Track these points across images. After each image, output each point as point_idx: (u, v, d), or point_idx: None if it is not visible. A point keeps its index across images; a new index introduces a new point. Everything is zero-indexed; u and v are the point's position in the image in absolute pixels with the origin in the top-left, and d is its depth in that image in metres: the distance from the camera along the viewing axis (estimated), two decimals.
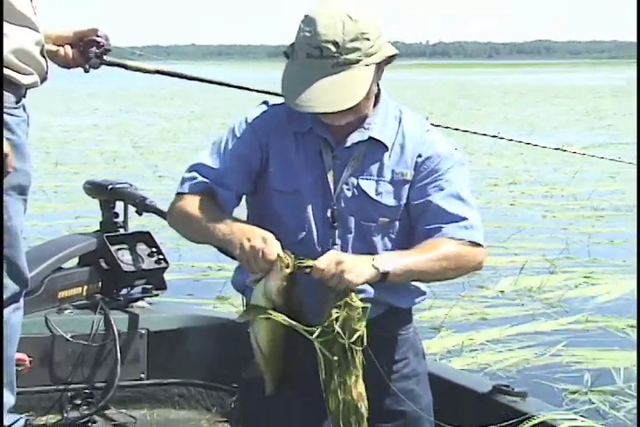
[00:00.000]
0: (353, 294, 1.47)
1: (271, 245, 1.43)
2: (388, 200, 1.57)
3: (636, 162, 3.21)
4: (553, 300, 4.68)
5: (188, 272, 5.09)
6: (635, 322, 4.23)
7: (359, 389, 1.50)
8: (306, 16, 1.48)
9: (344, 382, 1.48)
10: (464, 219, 1.56)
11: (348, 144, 1.56)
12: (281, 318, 1.46)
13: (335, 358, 1.47)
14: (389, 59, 1.54)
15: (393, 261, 1.49)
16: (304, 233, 1.57)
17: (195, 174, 1.58)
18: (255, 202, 1.64)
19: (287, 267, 1.45)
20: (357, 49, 1.45)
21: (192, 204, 1.55)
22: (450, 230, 1.55)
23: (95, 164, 10.49)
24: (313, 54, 1.45)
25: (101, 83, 33.73)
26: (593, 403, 3.23)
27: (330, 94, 1.45)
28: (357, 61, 1.46)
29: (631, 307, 4.52)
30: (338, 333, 1.45)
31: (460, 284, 4.85)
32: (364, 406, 1.51)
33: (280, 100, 1.62)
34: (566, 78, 49.15)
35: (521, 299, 4.70)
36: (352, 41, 1.45)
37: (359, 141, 1.56)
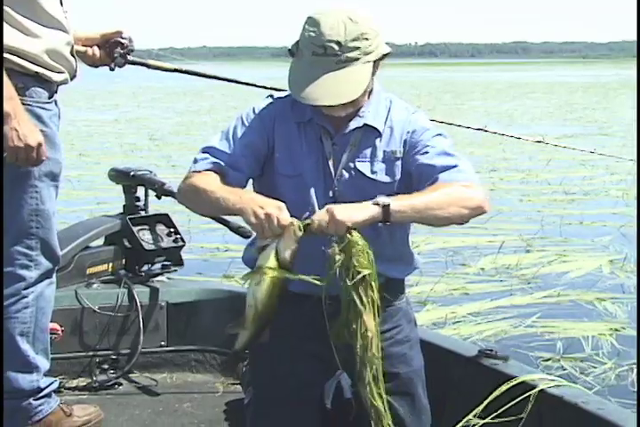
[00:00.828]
0: (354, 232, 1.40)
1: (285, 212, 1.41)
2: (383, 177, 1.56)
3: (636, 159, 3.09)
4: (528, 276, 4.64)
5: (197, 253, 5.00)
6: (602, 295, 4.21)
7: (371, 325, 1.41)
8: (310, 18, 1.49)
9: (357, 319, 1.41)
10: (454, 166, 1.53)
11: (346, 131, 1.57)
12: (295, 274, 1.41)
13: (349, 298, 1.40)
14: (384, 56, 1.54)
15: (394, 198, 1.45)
16: (308, 213, 1.53)
17: (207, 155, 1.57)
18: (261, 185, 1.62)
19: (300, 230, 1.40)
20: (357, 48, 1.47)
21: (204, 179, 1.52)
22: (443, 177, 1.51)
23: (115, 154, 10.40)
24: (318, 52, 1.47)
25: (122, 82, 33.64)
26: (565, 369, 3.23)
27: (333, 89, 1.46)
28: (357, 59, 1.48)
29: (599, 281, 4.52)
30: (341, 275, 1.39)
31: (444, 262, 4.85)
32: (376, 339, 1.42)
33: (283, 94, 1.64)
34: (541, 75, 48.93)
35: (500, 275, 4.65)
36: (353, 41, 1.46)
37: (355, 128, 1.57)
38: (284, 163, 1.57)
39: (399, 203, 1.43)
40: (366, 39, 1.47)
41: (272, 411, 1.61)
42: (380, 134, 1.58)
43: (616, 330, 3.65)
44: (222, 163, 1.55)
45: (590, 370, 3.22)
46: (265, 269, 1.41)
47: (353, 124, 1.56)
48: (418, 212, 1.45)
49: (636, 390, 2.95)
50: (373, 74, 1.54)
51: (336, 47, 1.45)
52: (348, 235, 1.40)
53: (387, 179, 1.56)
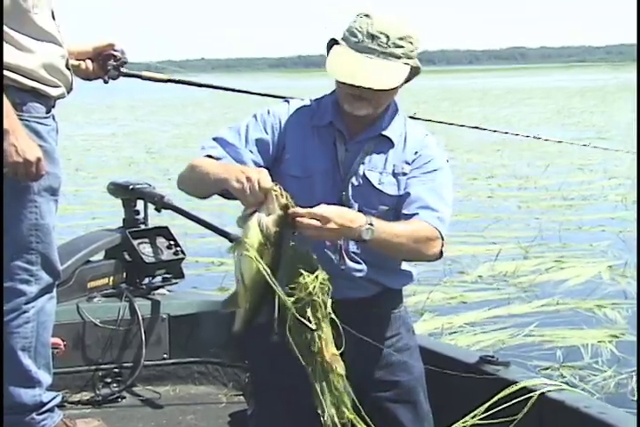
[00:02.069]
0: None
1: (266, 176, 1.41)
2: (389, 190, 1.59)
3: (635, 151, 3.14)
4: (526, 284, 4.64)
5: (192, 267, 5.00)
6: (601, 302, 4.21)
7: (330, 350, 1.40)
8: (363, 13, 1.55)
9: (313, 343, 1.40)
10: (437, 211, 1.57)
11: (361, 139, 1.60)
12: (261, 265, 1.35)
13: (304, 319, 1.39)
14: (417, 71, 1.59)
15: (378, 226, 1.47)
16: None
17: (215, 144, 1.59)
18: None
19: (282, 197, 1.39)
20: (402, 47, 1.52)
21: (201, 160, 1.55)
22: (423, 215, 1.56)
23: (112, 168, 10.45)
24: (365, 40, 1.51)
25: (119, 95, 33.75)
26: (564, 377, 3.24)
27: (369, 72, 1.49)
28: (399, 57, 1.52)
29: (598, 288, 4.50)
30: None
31: (442, 271, 4.83)
32: (339, 367, 1.41)
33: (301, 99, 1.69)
34: (539, 81, 49.01)
35: (497, 283, 4.65)
36: (400, 39, 1.52)
37: (370, 137, 1.60)
38: (294, 164, 1.59)
39: (380, 232, 1.45)
40: (411, 43, 1.53)
41: (274, 421, 1.62)
42: (392, 146, 1.61)
43: (615, 337, 3.65)
44: (227, 153, 1.56)
45: (590, 378, 3.22)
46: (248, 239, 1.38)
47: (368, 133, 1.60)
48: (393, 244, 1.48)
49: (635, 398, 2.94)
50: (404, 82, 1.57)
51: (384, 39, 1.50)
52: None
53: (392, 191, 1.59)
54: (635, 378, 3.13)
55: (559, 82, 43.88)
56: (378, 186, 1.58)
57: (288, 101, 1.67)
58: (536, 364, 3.35)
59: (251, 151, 1.57)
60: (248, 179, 1.39)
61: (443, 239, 1.56)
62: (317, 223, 1.40)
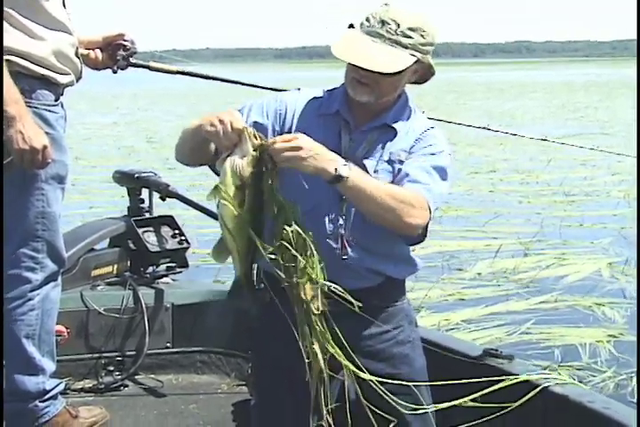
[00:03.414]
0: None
1: (238, 118, 1.41)
2: (384, 177, 1.57)
3: (636, 157, 3.13)
4: (526, 280, 4.61)
5: (189, 259, 5.04)
6: (601, 300, 4.19)
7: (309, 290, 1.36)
8: (385, 2, 1.56)
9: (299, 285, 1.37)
10: (426, 184, 1.54)
11: (365, 129, 1.60)
12: (236, 210, 1.33)
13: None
14: (427, 71, 1.59)
15: (358, 171, 1.46)
16: (315, 203, 1.55)
17: None
18: None
19: (255, 138, 1.37)
20: (411, 37, 1.52)
21: (186, 125, 1.55)
22: (409, 186, 1.53)
23: (112, 158, 10.42)
24: (375, 25, 1.52)
25: (124, 84, 33.67)
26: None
27: (371, 55, 1.50)
28: (406, 47, 1.52)
29: (597, 286, 4.49)
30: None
31: (440, 267, 4.82)
32: (318, 306, 1.37)
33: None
34: (544, 75, 48.84)
35: (496, 280, 4.63)
36: (410, 30, 1.52)
37: (375, 127, 1.60)
38: None
39: (360, 177, 1.44)
40: (422, 36, 1.53)
41: (275, 412, 1.62)
42: (395, 137, 1.61)
43: (614, 336, 3.62)
44: None
45: (589, 379, 3.18)
46: (224, 184, 1.36)
47: (374, 123, 1.60)
48: (365, 195, 1.45)
49: (635, 400, 2.90)
50: (408, 79, 1.57)
51: (393, 26, 1.51)
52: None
53: (386, 179, 1.57)
54: (635, 379, 3.09)
55: (564, 76, 43.74)
56: (373, 174, 1.57)
57: (299, 89, 1.68)
58: (534, 363, 3.26)
59: None
60: (220, 121, 1.40)
61: (430, 212, 1.52)
62: (291, 145, 1.38)
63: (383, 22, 1.51)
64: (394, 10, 1.54)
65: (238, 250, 1.40)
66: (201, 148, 1.52)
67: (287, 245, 1.36)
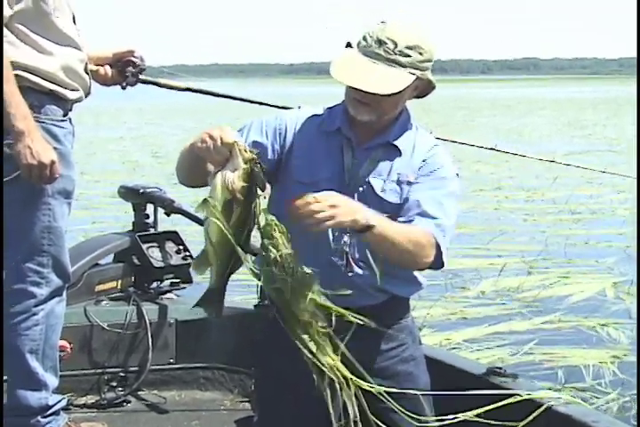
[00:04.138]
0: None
1: (228, 131, 1.41)
2: (391, 198, 1.58)
3: (635, 175, 3.14)
4: (529, 300, 4.58)
5: (192, 274, 5.06)
6: (605, 320, 4.16)
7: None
8: (382, 20, 1.57)
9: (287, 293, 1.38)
10: (435, 218, 1.55)
11: (368, 146, 1.60)
12: (221, 225, 1.34)
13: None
14: (428, 86, 1.60)
15: (380, 217, 1.47)
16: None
17: None
18: (276, 190, 1.65)
19: (246, 151, 1.38)
20: (409, 56, 1.52)
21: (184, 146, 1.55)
22: (419, 222, 1.54)
23: (116, 172, 10.45)
24: (373, 45, 1.52)
25: (131, 99, 33.93)
26: None
27: (368, 77, 1.50)
28: (404, 66, 1.52)
29: (601, 306, 4.46)
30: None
31: (443, 285, 4.78)
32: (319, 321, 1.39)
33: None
34: (551, 92, 48.95)
35: (500, 299, 4.60)
36: (408, 48, 1.52)
37: (378, 145, 1.61)
38: (302, 170, 1.60)
39: (383, 224, 1.45)
40: (420, 54, 1.53)
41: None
42: (400, 155, 1.60)
43: (618, 358, 3.57)
44: None
45: (592, 400, 3.14)
46: (212, 198, 1.37)
47: (377, 141, 1.60)
48: (388, 242, 1.46)
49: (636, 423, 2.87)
50: (409, 95, 1.58)
51: (391, 46, 1.51)
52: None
53: (394, 200, 1.58)
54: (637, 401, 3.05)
55: (572, 93, 43.84)
56: (380, 193, 1.58)
57: (300, 107, 1.69)
58: (536, 384, 3.33)
59: None
60: (210, 137, 1.40)
61: (440, 248, 1.53)
62: (329, 204, 1.38)
63: (380, 42, 1.52)
64: (390, 28, 1.53)
65: (218, 263, 1.42)
66: (197, 166, 1.51)
67: (274, 267, 1.37)
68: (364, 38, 1.54)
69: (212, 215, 1.37)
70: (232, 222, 1.38)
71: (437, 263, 1.56)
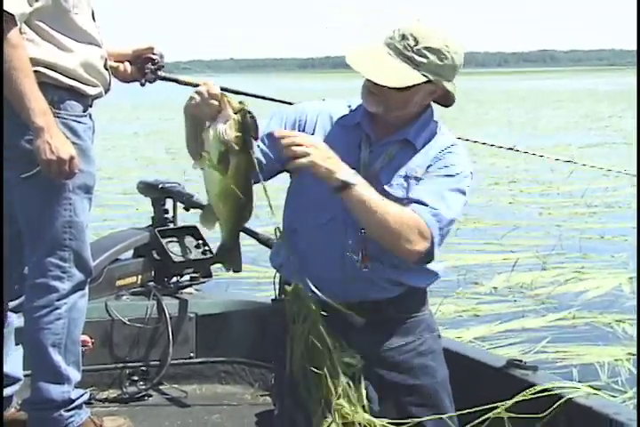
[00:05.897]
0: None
1: (212, 85, 1.45)
2: (397, 192, 1.58)
3: (635, 172, 3.15)
4: (543, 296, 4.52)
5: (212, 269, 5.07)
6: (621, 317, 4.11)
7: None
8: (420, 17, 1.60)
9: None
10: (434, 209, 1.54)
11: (385, 142, 1.62)
12: (221, 175, 1.36)
13: None
14: (443, 96, 1.60)
15: (366, 184, 1.49)
16: (330, 216, 1.59)
17: None
18: (294, 182, 1.69)
19: (235, 102, 1.41)
20: (426, 57, 1.52)
21: None
22: (416, 208, 1.54)
23: (129, 169, 10.43)
24: (396, 38, 1.54)
25: (147, 95, 33.94)
26: None
27: (379, 67, 1.51)
28: (417, 65, 1.52)
29: (617, 301, 4.41)
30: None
31: (455, 281, 4.74)
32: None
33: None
34: (568, 84, 48.44)
35: (513, 295, 4.54)
36: (427, 49, 1.52)
37: (395, 141, 1.62)
38: None
39: (366, 189, 1.47)
40: (440, 59, 1.52)
41: (298, 422, 1.63)
42: (415, 152, 1.61)
43: (634, 355, 3.49)
44: None
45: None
46: (207, 150, 1.38)
47: (394, 137, 1.61)
48: (365, 208, 1.48)
49: None
50: (422, 99, 1.57)
51: (412, 43, 1.52)
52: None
53: (399, 194, 1.58)
54: None
55: (588, 85, 43.38)
56: (386, 187, 1.58)
57: (324, 100, 1.71)
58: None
59: (263, 142, 1.60)
60: (197, 92, 1.45)
61: (432, 240, 1.51)
62: (310, 143, 1.44)
63: (404, 37, 1.53)
64: (420, 26, 1.54)
65: (225, 215, 1.43)
66: (197, 130, 1.52)
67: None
68: (394, 30, 1.56)
69: (209, 168, 1.39)
70: (231, 173, 1.39)
71: (427, 255, 1.53)
